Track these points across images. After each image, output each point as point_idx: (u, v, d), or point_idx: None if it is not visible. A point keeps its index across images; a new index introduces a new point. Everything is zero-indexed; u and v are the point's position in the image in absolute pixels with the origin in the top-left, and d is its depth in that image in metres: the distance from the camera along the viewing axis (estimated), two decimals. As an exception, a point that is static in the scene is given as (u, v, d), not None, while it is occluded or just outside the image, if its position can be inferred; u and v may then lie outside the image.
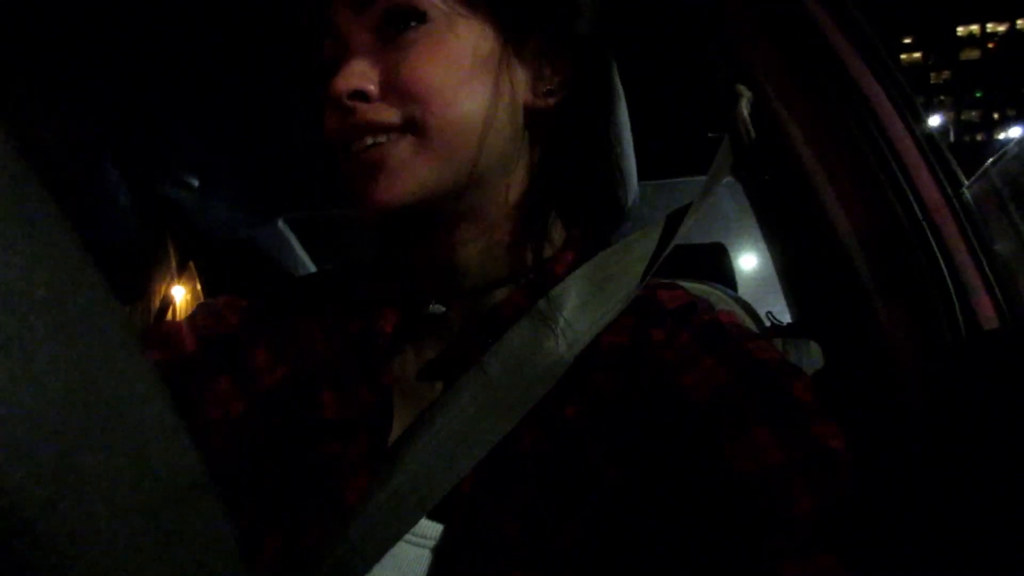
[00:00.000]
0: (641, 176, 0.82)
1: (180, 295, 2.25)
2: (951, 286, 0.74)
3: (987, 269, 0.75)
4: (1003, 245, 0.77)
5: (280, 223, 2.17)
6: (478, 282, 0.68)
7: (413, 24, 0.61)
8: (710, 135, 0.82)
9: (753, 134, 0.76)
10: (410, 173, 0.61)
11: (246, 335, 0.73)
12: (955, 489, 0.64)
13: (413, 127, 0.61)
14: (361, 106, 0.62)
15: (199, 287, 2.22)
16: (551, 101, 0.68)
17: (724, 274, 1.90)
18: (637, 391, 0.60)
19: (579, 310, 0.64)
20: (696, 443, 0.55)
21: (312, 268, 2.24)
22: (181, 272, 2.08)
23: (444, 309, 0.68)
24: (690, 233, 0.72)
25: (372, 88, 0.62)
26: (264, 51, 1.27)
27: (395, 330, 0.69)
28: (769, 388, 0.57)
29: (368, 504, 0.58)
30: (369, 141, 0.62)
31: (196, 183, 1.82)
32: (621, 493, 0.57)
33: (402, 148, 0.61)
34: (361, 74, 0.62)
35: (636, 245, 0.69)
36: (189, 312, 0.77)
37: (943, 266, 0.75)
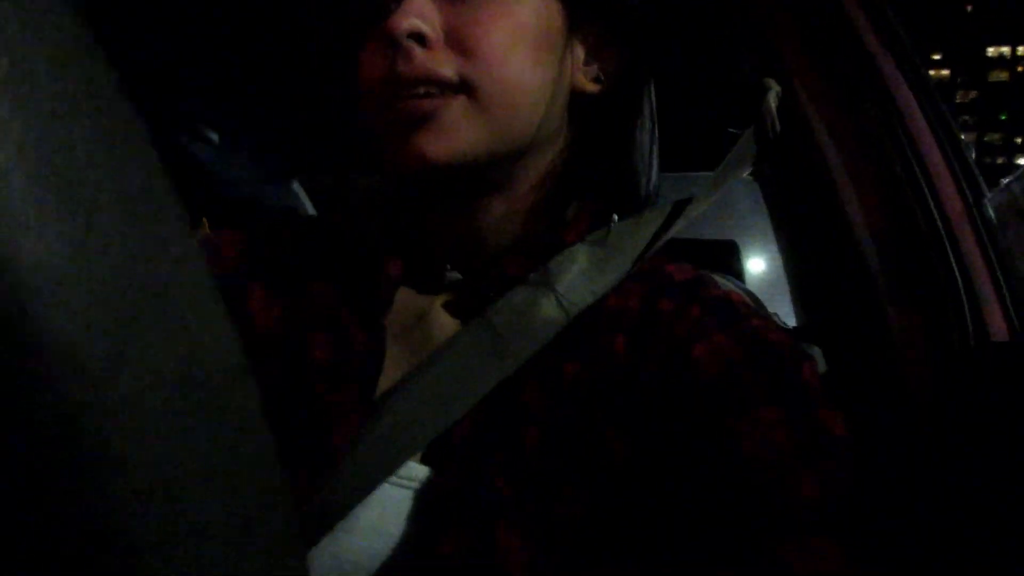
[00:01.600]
0: (663, 168, 0.81)
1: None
2: (964, 295, 0.74)
3: (1001, 281, 0.75)
4: (1018, 259, 0.77)
5: (295, 184, 2.18)
6: (493, 250, 0.68)
7: None
8: (734, 131, 0.82)
9: (778, 128, 0.76)
10: (461, 133, 0.59)
11: (242, 272, 0.71)
12: (954, 490, 0.64)
13: (469, 88, 0.59)
14: (418, 51, 0.58)
15: (202, 259, 2.23)
16: (598, 87, 0.68)
17: (734, 270, 1.91)
18: (644, 357, 0.60)
19: (580, 276, 0.63)
20: (703, 417, 0.55)
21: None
22: (194, 229, 2.09)
23: (460, 277, 0.68)
24: (702, 228, 0.72)
25: (432, 33, 0.59)
26: (294, 7, 1.26)
27: (399, 279, 0.69)
28: (779, 369, 0.57)
29: (356, 445, 0.58)
30: (421, 91, 0.59)
31: (216, 138, 1.82)
32: (620, 460, 0.57)
33: (455, 107, 0.59)
34: (424, 15, 0.58)
35: (644, 225, 0.69)
36: None
37: (958, 275, 0.75)
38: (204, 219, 2.05)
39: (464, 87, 0.59)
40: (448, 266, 0.68)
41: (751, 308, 0.63)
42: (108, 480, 0.22)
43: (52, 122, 0.21)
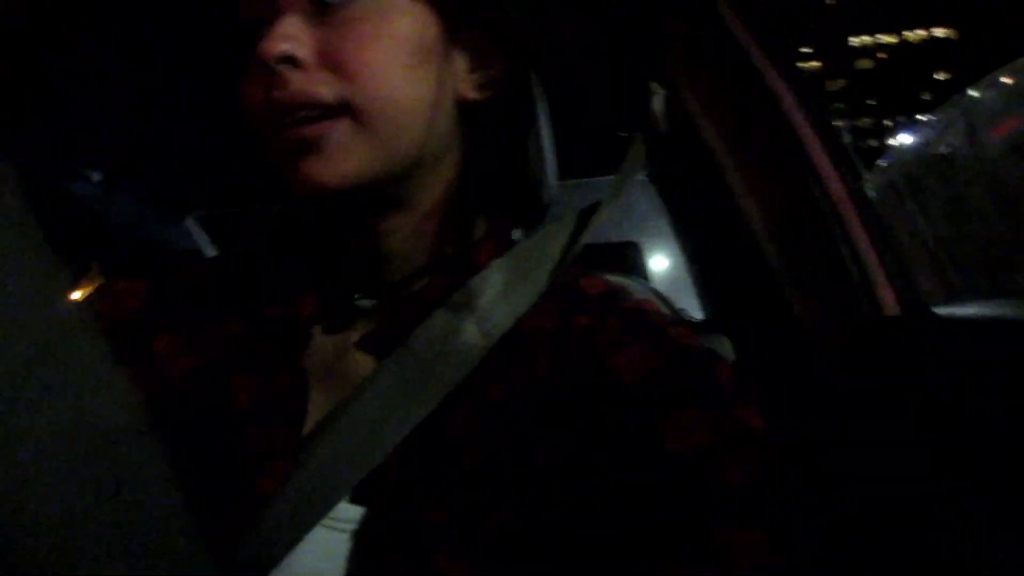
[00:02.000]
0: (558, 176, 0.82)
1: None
2: (855, 274, 0.78)
3: (887, 258, 0.80)
4: (902, 236, 0.81)
5: (188, 220, 2.11)
6: (402, 272, 0.67)
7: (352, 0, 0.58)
8: (624, 134, 0.83)
9: (666, 131, 0.78)
10: (348, 156, 0.58)
11: (148, 321, 0.69)
12: (864, 463, 0.67)
13: (349, 109, 0.58)
14: (293, 75, 0.57)
15: (86, 310, 2.13)
16: (485, 96, 0.67)
17: (638, 270, 1.95)
18: (566, 374, 0.60)
19: (498, 297, 0.63)
20: (627, 424, 0.56)
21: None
22: (84, 274, 2.00)
23: (371, 303, 0.67)
24: (604, 231, 0.73)
25: (305, 55, 0.57)
26: (169, 31, 1.23)
27: (313, 315, 0.67)
28: (695, 373, 0.58)
29: (284, 490, 0.56)
30: (301, 115, 0.57)
31: (99, 177, 1.74)
32: (550, 476, 0.57)
33: (340, 129, 0.58)
34: (294, 38, 0.57)
35: (551, 237, 0.70)
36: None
37: (847, 257, 0.79)
38: (94, 264, 1.96)
39: (345, 108, 0.58)
40: (357, 295, 0.67)
41: (665, 317, 0.65)
42: (13, 550, 0.20)
43: None
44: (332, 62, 0.58)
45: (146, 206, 1.98)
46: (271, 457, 0.59)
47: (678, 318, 0.66)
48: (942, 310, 0.72)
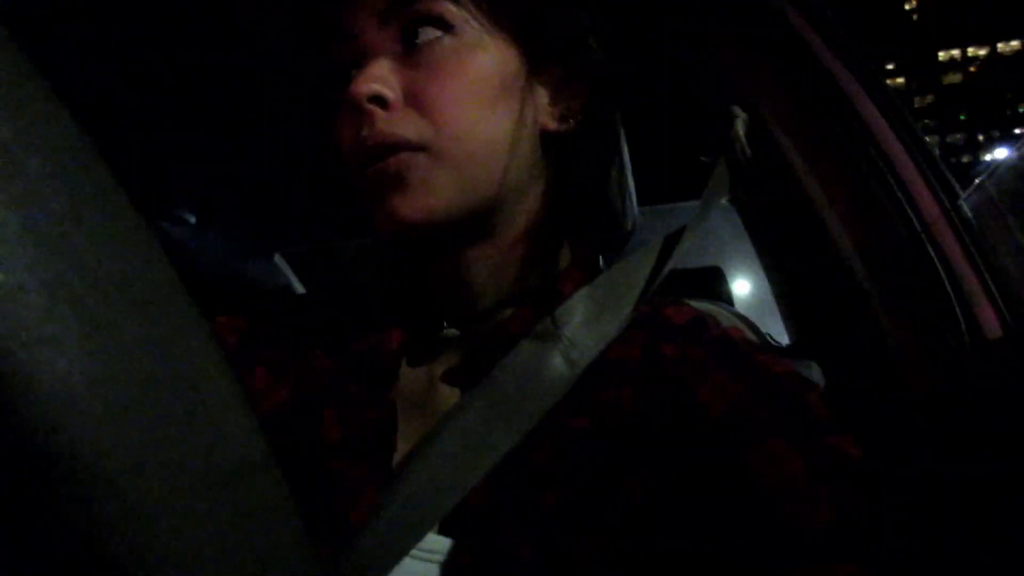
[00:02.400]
0: (639, 202, 0.82)
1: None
2: (953, 297, 0.75)
3: (987, 278, 0.76)
4: (1002, 254, 0.78)
5: (277, 258, 2.18)
6: (488, 302, 0.67)
7: (440, 36, 0.60)
8: (705, 159, 0.83)
9: (749, 154, 0.77)
10: (431, 191, 0.60)
11: (245, 356, 0.71)
12: (967, 493, 0.64)
13: (428, 147, 0.59)
14: (380, 114, 0.59)
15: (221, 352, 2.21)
16: (568, 127, 0.68)
17: (722, 295, 1.91)
18: (651, 405, 0.60)
19: (584, 327, 0.63)
20: (715, 456, 0.55)
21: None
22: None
23: (458, 333, 0.67)
24: (687, 257, 0.72)
25: (393, 96, 0.59)
26: (261, 81, 1.28)
27: (400, 348, 0.69)
28: (784, 401, 0.56)
29: (373, 521, 0.57)
30: (387, 154, 0.59)
31: (192, 219, 1.82)
32: (637, 508, 0.56)
33: (420, 166, 0.59)
34: (383, 79, 0.59)
35: (637, 265, 0.69)
36: None
37: (944, 277, 0.76)
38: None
39: (424, 146, 0.59)
40: (445, 324, 0.68)
41: (752, 344, 0.63)
42: None
43: (60, 237, 0.21)
44: (416, 101, 0.60)
45: (237, 244, 2.05)
46: (361, 489, 0.60)
47: (766, 345, 0.64)
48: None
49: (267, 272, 2.16)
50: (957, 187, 0.81)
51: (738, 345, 0.63)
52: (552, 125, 0.67)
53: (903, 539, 0.48)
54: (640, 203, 0.83)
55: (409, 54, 0.61)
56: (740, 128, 0.79)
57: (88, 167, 0.23)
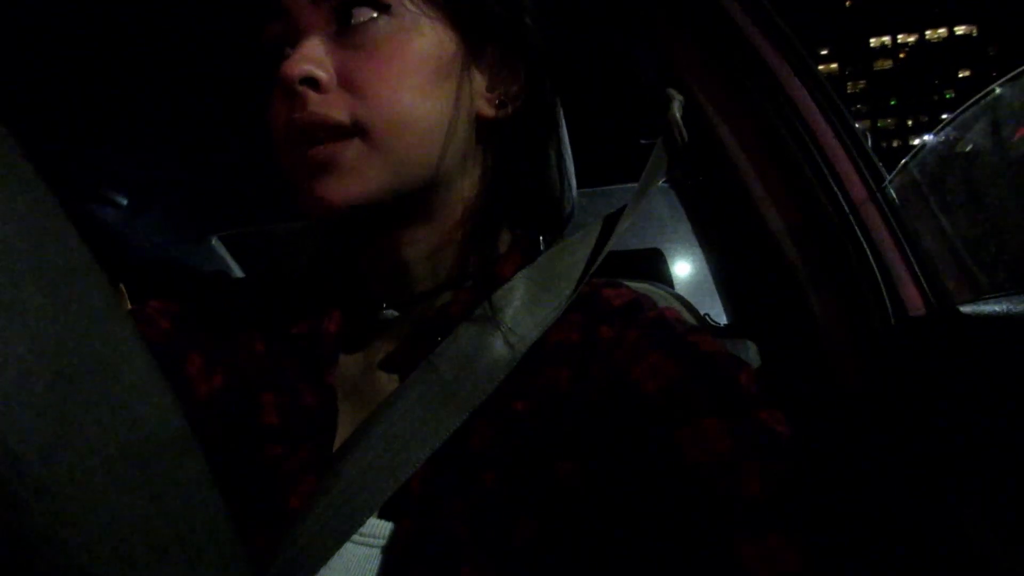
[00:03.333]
0: (578, 185, 0.83)
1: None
2: (879, 276, 0.78)
3: (912, 259, 0.79)
4: (925, 235, 0.81)
5: (214, 240, 2.14)
6: (426, 285, 0.68)
7: (375, 17, 0.59)
8: (643, 141, 0.84)
9: (686, 136, 0.78)
10: (360, 176, 0.59)
11: (179, 341, 0.70)
12: (892, 464, 0.67)
13: (361, 130, 0.59)
14: (312, 96, 0.58)
15: (132, 322, 2.16)
16: (504, 113, 0.68)
17: (663, 277, 1.94)
18: (587, 386, 0.60)
19: (524, 310, 0.64)
20: (647, 435, 0.56)
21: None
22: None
23: (397, 314, 0.67)
24: (628, 239, 0.73)
25: (325, 77, 0.59)
26: (199, 59, 1.25)
27: (339, 331, 0.68)
28: (715, 379, 0.57)
29: (314, 505, 0.57)
30: (318, 136, 0.58)
31: (124, 201, 1.77)
32: (573, 488, 0.57)
33: (351, 150, 0.59)
34: (315, 60, 0.59)
35: (576, 247, 0.70)
36: None
37: (871, 258, 0.78)
38: (121, 286, 2.00)
39: (357, 130, 0.59)
40: (384, 305, 0.67)
41: (686, 325, 0.64)
42: (59, 565, 0.21)
43: None
44: (349, 83, 0.59)
45: (171, 228, 2.01)
46: (300, 474, 0.60)
47: (700, 325, 0.65)
48: (967, 308, 0.71)
49: (203, 256, 2.12)
50: (883, 170, 0.83)
51: (672, 326, 0.64)
52: (489, 111, 0.67)
53: (830, 510, 0.49)
54: (579, 186, 0.84)
55: (344, 34, 0.60)
56: (676, 110, 0.80)
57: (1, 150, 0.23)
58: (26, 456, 0.21)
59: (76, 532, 0.21)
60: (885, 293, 0.77)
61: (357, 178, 0.59)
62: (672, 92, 0.82)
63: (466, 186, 0.67)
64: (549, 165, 0.74)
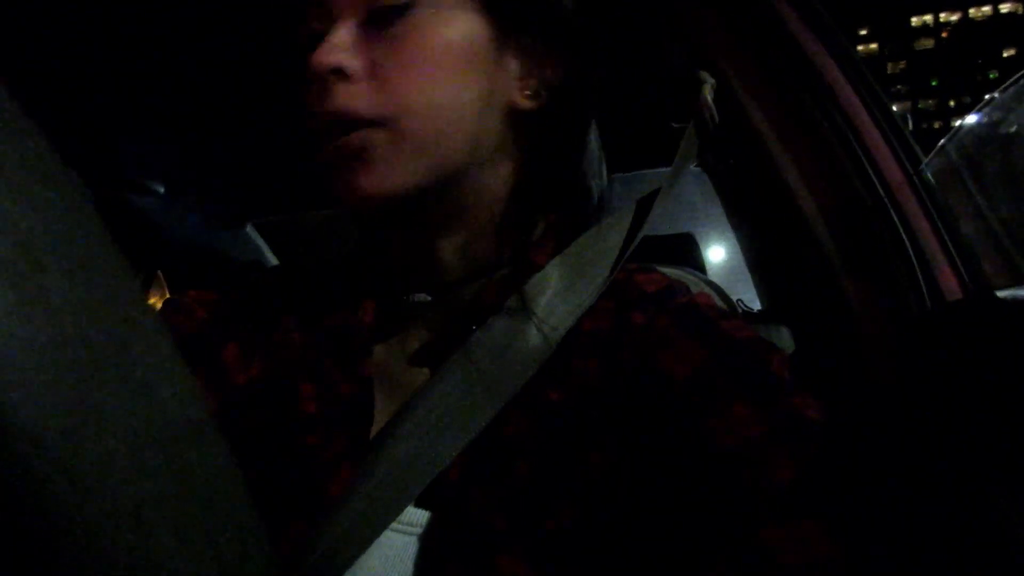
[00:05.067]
0: (608, 170, 0.82)
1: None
2: (915, 260, 0.77)
3: (948, 242, 0.78)
4: (963, 218, 0.79)
5: (249, 228, 2.16)
6: (459, 274, 0.68)
7: (404, 5, 0.59)
8: (675, 125, 0.83)
9: (717, 119, 0.77)
10: (391, 167, 0.59)
11: (216, 331, 0.71)
12: (927, 452, 0.66)
13: (388, 121, 0.59)
14: (340, 87, 0.59)
15: (156, 308, 2.20)
16: (539, 101, 0.67)
17: (695, 262, 1.93)
18: (619, 374, 0.60)
19: (557, 298, 0.64)
20: (678, 421, 0.56)
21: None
22: (149, 283, 2.06)
23: (429, 298, 0.68)
24: (659, 225, 0.73)
25: (353, 67, 0.59)
26: (233, 48, 1.26)
27: (374, 321, 0.69)
28: (746, 365, 0.57)
29: (352, 495, 0.57)
30: (346, 129, 0.59)
31: (162, 189, 1.80)
32: (606, 476, 0.57)
33: (380, 140, 0.59)
34: (344, 50, 0.59)
35: (609, 232, 0.69)
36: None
37: (907, 241, 0.77)
38: (159, 273, 2.03)
39: (385, 120, 0.59)
40: (415, 292, 0.68)
41: (718, 311, 0.64)
42: (83, 550, 0.22)
43: None
44: (379, 74, 0.59)
45: (207, 215, 2.03)
46: (339, 463, 0.61)
47: (732, 311, 0.65)
48: (1005, 293, 0.70)
49: (239, 243, 2.15)
50: (920, 152, 0.82)
51: (704, 311, 0.63)
52: (523, 101, 0.66)
53: (864, 497, 0.49)
54: (613, 170, 0.83)
55: (374, 23, 0.60)
56: (708, 93, 0.79)
57: (16, 131, 0.23)
58: (49, 438, 0.21)
59: (100, 512, 0.22)
60: (921, 278, 0.76)
61: (387, 169, 0.59)
62: (703, 75, 0.81)
63: (499, 176, 0.67)
64: (586, 154, 0.73)
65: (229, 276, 0.78)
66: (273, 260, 2.20)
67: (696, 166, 1.14)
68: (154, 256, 1.93)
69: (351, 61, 0.59)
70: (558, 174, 0.71)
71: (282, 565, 0.51)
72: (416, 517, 0.59)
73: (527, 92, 0.66)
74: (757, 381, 0.56)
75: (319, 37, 0.61)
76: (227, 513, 0.26)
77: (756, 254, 1.23)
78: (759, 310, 1.27)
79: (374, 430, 0.64)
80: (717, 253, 2.92)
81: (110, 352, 0.23)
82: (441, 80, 0.60)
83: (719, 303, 0.66)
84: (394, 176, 0.60)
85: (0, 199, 0.22)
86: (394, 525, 0.58)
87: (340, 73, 0.59)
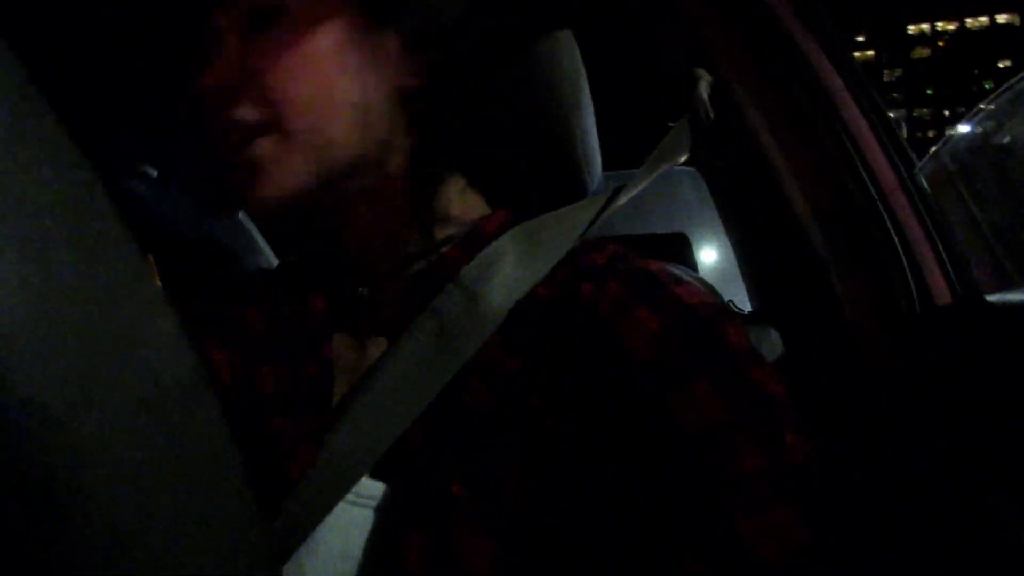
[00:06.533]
0: (608, 167, 0.82)
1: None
2: (906, 264, 0.77)
3: (940, 246, 0.78)
4: (954, 223, 0.80)
5: (240, 214, 2.15)
6: (396, 258, 0.68)
7: (276, 21, 0.61)
8: (671, 125, 0.83)
9: (712, 116, 0.77)
10: (282, 170, 0.61)
11: (197, 331, 0.72)
12: (913, 452, 0.66)
13: (276, 126, 0.61)
14: (224, 101, 0.61)
15: (158, 283, 2.19)
16: (420, 80, 0.67)
17: (686, 262, 1.93)
18: (573, 344, 0.60)
19: (510, 268, 0.63)
20: (638, 397, 0.55)
21: (274, 260, 2.22)
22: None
23: (367, 291, 0.68)
24: (652, 223, 0.73)
25: (234, 86, 0.61)
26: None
27: (326, 310, 0.70)
28: (704, 338, 0.57)
29: (309, 471, 0.58)
30: (235, 140, 0.61)
31: (153, 173, 1.79)
32: (564, 447, 0.57)
33: (267, 147, 0.61)
34: (223, 72, 0.61)
35: (575, 213, 0.69)
36: None
37: (898, 245, 0.77)
38: (150, 257, 2.02)
39: (271, 127, 0.61)
40: (360, 287, 0.69)
41: (672, 276, 0.63)
42: (85, 513, 0.22)
43: (3, 175, 0.22)
44: (258, 86, 0.61)
45: (200, 200, 2.02)
46: (300, 444, 0.61)
47: (683, 277, 0.64)
48: (994, 297, 0.70)
49: (231, 229, 2.14)
50: (914, 157, 0.82)
51: (655, 276, 0.62)
52: (410, 80, 0.66)
53: (834, 480, 0.49)
54: (610, 168, 0.83)
55: (251, 44, 0.62)
56: (704, 91, 0.79)
57: (31, 111, 0.24)
58: (54, 409, 0.21)
59: (101, 483, 0.22)
60: (912, 281, 0.76)
61: (280, 173, 0.61)
62: (700, 71, 0.81)
63: (400, 158, 0.67)
64: (496, 132, 0.72)
65: (220, 264, 0.80)
66: (264, 246, 2.20)
67: (690, 165, 1.15)
68: (145, 241, 1.92)
69: (231, 82, 0.61)
70: (466, 140, 0.70)
71: (271, 531, 0.51)
72: (373, 489, 0.59)
73: (413, 70, 0.66)
74: (715, 355, 0.56)
75: (202, 57, 0.63)
76: (221, 473, 0.27)
77: (748, 255, 1.23)
78: (750, 311, 1.27)
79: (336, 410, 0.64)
80: (709, 255, 2.93)
81: (115, 324, 0.24)
82: (317, 77, 0.62)
83: (673, 271, 0.65)
84: (288, 178, 0.61)
85: (12, 175, 0.22)
86: (352, 498, 0.59)
87: (223, 93, 0.61)
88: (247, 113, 0.60)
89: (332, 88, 0.62)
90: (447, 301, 0.62)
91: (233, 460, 0.28)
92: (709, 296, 0.61)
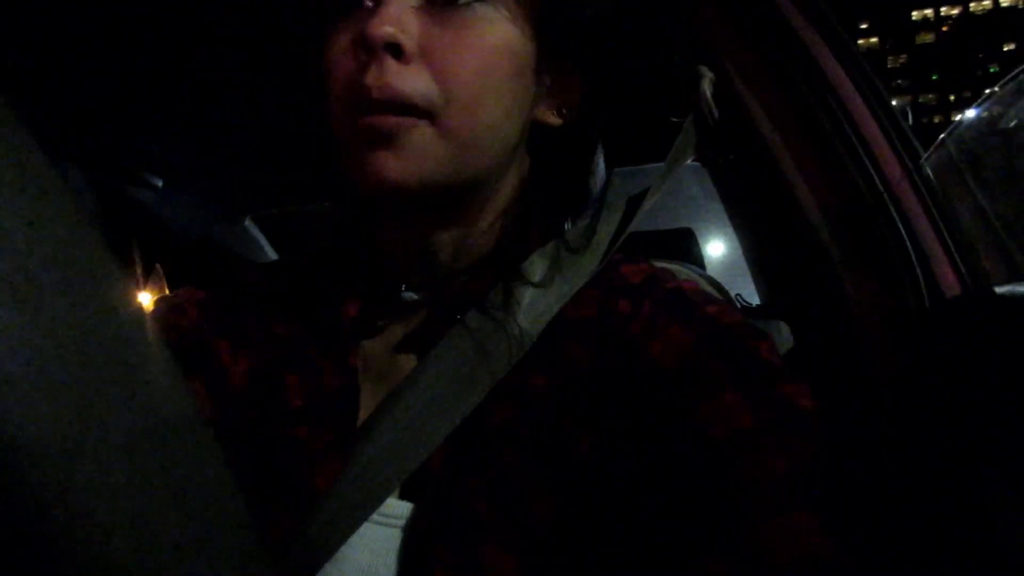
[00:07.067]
0: (608, 164, 0.82)
1: (147, 301, 2.22)
2: (914, 256, 0.76)
3: (947, 238, 0.77)
4: (962, 214, 0.79)
5: (247, 221, 2.16)
6: (448, 271, 0.68)
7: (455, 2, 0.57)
8: (675, 120, 0.83)
9: (716, 113, 0.77)
10: (423, 158, 0.57)
11: (206, 329, 0.70)
12: (923, 446, 0.66)
13: (435, 113, 0.57)
14: (391, 64, 0.55)
15: (167, 291, 2.20)
16: (560, 120, 0.67)
17: (693, 257, 1.93)
18: (605, 362, 0.60)
19: (542, 287, 0.63)
20: (667, 410, 0.55)
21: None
22: (148, 276, 2.06)
23: (416, 296, 0.67)
24: (659, 219, 0.73)
25: (410, 46, 0.56)
26: (233, 40, 1.25)
27: (360, 314, 0.68)
28: (735, 352, 0.57)
29: (336, 486, 0.57)
30: (392, 123, 0.56)
31: (160, 183, 1.80)
32: (593, 464, 0.57)
33: (419, 130, 0.57)
34: (403, 24, 0.56)
35: (598, 226, 0.69)
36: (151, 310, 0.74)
37: (905, 237, 0.77)
38: (158, 265, 2.03)
39: (430, 112, 0.57)
40: (404, 287, 0.67)
41: (704, 295, 0.63)
42: (87, 552, 0.22)
43: None
44: (432, 59, 0.57)
45: (206, 208, 2.03)
46: (325, 455, 0.61)
47: (717, 297, 0.64)
48: (1003, 289, 0.70)
49: (237, 236, 2.14)
50: (919, 147, 0.82)
51: (689, 296, 0.63)
52: (548, 118, 0.66)
53: (860, 489, 0.49)
54: (609, 165, 0.83)
55: (434, 6, 0.58)
56: (707, 88, 0.79)
57: (11, 146, 0.23)
58: (50, 456, 0.21)
59: (98, 528, 0.22)
60: (920, 273, 0.76)
61: (419, 159, 0.57)
62: (703, 68, 0.80)
63: (506, 184, 0.67)
64: (592, 171, 0.73)
65: (218, 271, 0.78)
66: (272, 253, 2.20)
67: (696, 161, 1.14)
68: (153, 250, 1.93)
69: (408, 39, 0.56)
70: (561, 187, 0.71)
71: (274, 563, 0.51)
72: (401, 509, 0.59)
73: (553, 110, 0.66)
74: (745, 367, 0.55)
75: (361, 7, 0.58)
76: (217, 510, 0.26)
77: (755, 249, 1.23)
78: (757, 305, 1.27)
79: (360, 422, 0.64)
80: (717, 248, 2.92)
81: (108, 364, 0.24)
82: (489, 83, 0.59)
83: (706, 288, 0.65)
84: (422, 168, 0.57)
85: None
86: (377, 517, 0.58)
87: (395, 49, 0.56)
88: (413, 89, 0.56)
89: (500, 96, 0.60)
90: (477, 321, 0.61)
91: (234, 494, 0.27)
92: (741, 315, 0.61)
